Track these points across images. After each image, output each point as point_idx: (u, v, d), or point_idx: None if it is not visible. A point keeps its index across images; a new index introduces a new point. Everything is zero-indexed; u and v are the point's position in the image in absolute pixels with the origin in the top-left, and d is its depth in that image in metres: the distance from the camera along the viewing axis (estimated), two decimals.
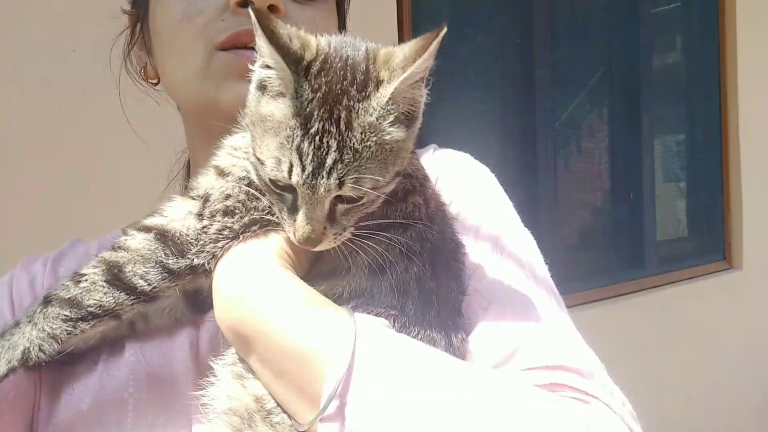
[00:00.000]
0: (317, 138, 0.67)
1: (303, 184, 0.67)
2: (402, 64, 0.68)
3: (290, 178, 0.68)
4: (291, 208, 0.71)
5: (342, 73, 0.69)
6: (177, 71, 0.96)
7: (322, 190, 0.67)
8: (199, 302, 0.85)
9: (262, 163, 0.70)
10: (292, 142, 0.67)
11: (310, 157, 0.66)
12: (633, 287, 3.67)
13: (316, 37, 0.73)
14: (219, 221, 0.77)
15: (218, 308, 0.73)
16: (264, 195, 0.75)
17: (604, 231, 4.02)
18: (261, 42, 0.69)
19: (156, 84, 1.07)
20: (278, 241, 0.75)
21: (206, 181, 0.80)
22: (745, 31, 4.17)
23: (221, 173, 0.80)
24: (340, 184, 0.67)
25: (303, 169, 0.67)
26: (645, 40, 3.85)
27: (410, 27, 2.80)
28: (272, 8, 0.88)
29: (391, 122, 0.69)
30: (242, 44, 0.90)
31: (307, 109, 0.67)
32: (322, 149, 0.66)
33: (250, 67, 0.74)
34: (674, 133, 4.39)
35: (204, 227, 0.77)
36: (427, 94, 0.72)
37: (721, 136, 4.25)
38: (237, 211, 0.77)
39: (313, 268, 0.78)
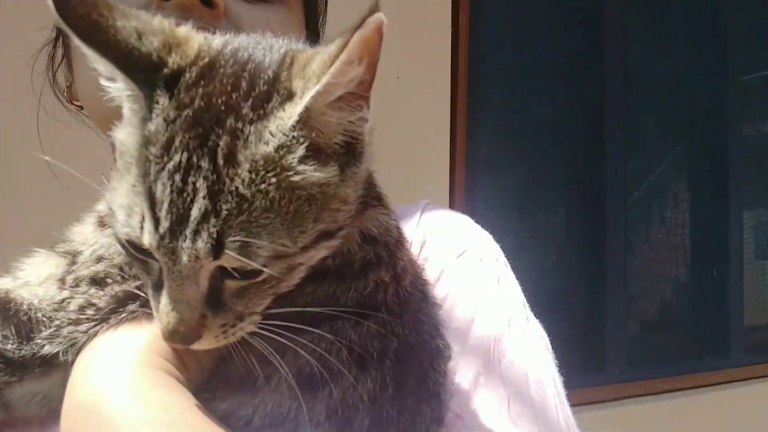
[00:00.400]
0: (177, 177, 0.47)
1: (158, 248, 0.48)
2: (318, 71, 0.48)
3: (141, 237, 0.48)
4: (157, 283, 0.51)
5: (233, 82, 0.50)
6: (87, 81, 0.73)
7: (184, 258, 0.47)
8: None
9: (112, 213, 0.51)
10: (143, 183, 0.48)
11: (165, 205, 0.47)
12: (715, 378, 3.31)
13: (207, 36, 0.55)
14: (82, 294, 0.56)
15: (63, 417, 0.53)
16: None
17: (683, 311, 3.69)
18: (78, 43, 0.50)
19: (82, 108, 0.87)
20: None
21: (79, 233, 0.61)
22: None
23: (99, 221, 0.60)
24: (216, 249, 0.47)
25: (156, 225, 0.47)
26: (734, 106, 3.62)
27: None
28: (208, 2, 0.69)
29: (301, 157, 0.49)
30: None
31: (166, 135, 0.48)
32: (186, 194, 0.47)
33: None
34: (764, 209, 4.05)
35: (63, 300, 0.57)
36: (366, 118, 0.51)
37: None
38: (108, 280, 0.56)
39: (218, 372, 0.57)
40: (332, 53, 0.48)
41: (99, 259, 0.58)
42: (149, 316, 0.54)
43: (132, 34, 0.50)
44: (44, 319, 0.56)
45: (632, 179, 3.34)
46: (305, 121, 0.49)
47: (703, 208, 3.61)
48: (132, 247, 0.51)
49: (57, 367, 0.57)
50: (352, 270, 0.56)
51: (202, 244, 0.47)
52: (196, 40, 0.53)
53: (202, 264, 0.48)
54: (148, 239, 0.48)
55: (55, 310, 0.57)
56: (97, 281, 0.57)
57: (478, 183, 2.63)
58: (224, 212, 0.47)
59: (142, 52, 0.50)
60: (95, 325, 0.56)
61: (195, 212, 0.46)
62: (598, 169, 3.12)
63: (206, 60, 0.51)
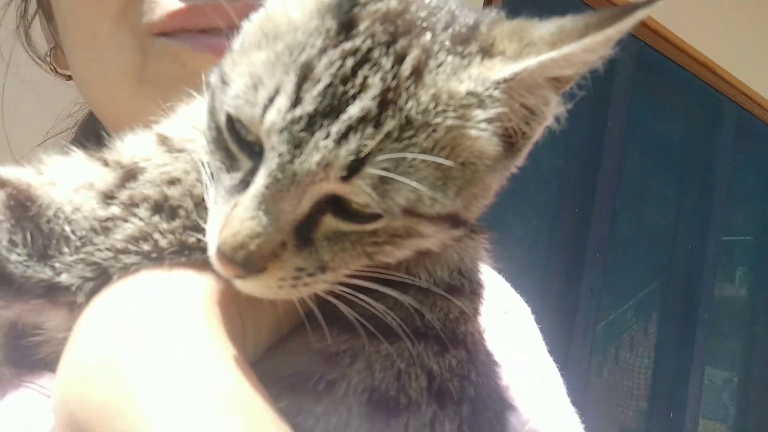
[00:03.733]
0: (350, 61, 0.38)
1: (280, 132, 0.38)
2: (553, 38, 0.41)
3: (263, 115, 0.38)
4: (236, 185, 0.41)
5: (433, 5, 0.42)
6: (93, 72, 0.64)
7: (315, 157, 0.37)
8: (22, 349, 0.47)
9: (224, 84, 0.41)
10: (300, 53, 0.38)
11: (320, 85, 0.38)
12: None
13: None
14: (142, 218, 0.44)
15: (69, 374, 0.39)
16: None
17: None
18: None
19: (70, 78, 0.73)
20: (229, 288, 0.43)
21: (136, 146, 0.49)
22: None
23: (165, 142, 0.49)
24: (353, 167, 0.38)
25: (294, 104, 0.38)
26: (711, 262, 3.68)
27: None
28: None
29: (487, 119, 0.41)
30: (192, 27, 0.59)
31: (349, 15, 0.40)
32: (350, 85, 0.38)
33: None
34: (725, 369, 4.05)
35: (109, 219, 0.44)
36: (564, 113, 0.45)
37: None
38: (181, 212, 0.45)
39: (269, 358, 0.45)
40: (584, 24, 0.41)
41: (172, 182, 0.45)
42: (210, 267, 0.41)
43: None
44: (73, 236, 0.43)
45: (604, 306, 3.33)
46: (512, 84, 0.41)
47: (668, 352, 3.59)
48: (230, 127, 0.41)
49: (59, 305, 0.44)
50: (437, 290, 0.47)
51: (345, 152, 0.37)
52: None
53: (325, 177, 0.38)
54: (273, 117, 0.38)
55: (93, 229, 0.43)
56: (163, 208, 0.44)
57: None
58: (385, 127, 0.38)
59: None
60: (141, 262, 0.43)
61: (354, 110, 0.37)
62: (575, 283, 3.11)
63: None
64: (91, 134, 0.77)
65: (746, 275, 4.22)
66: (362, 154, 0.37)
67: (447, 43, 0.41)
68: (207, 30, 0.59)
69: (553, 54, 0.40)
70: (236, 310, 0.43)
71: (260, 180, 0.39)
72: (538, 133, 0.45)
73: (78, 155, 0.49)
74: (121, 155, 0.48)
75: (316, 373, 0.42)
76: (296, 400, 0.42)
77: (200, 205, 0.45)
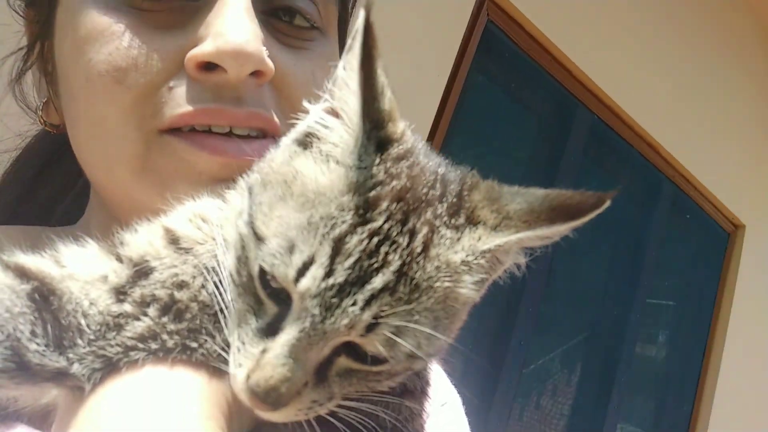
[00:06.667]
0: (375, 240, 0.45)
1: (315, 297, 0.44)
2: (527, 218, 0.49)
3: (297, 280, 0.44)
4: (264, 329, 0.46)
5: (430, 179, 0.49)
6: (95, 149, 0.66)
7: (344, 320, 0.44)
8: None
9: (259, 240, 0.46)
10: (332, 228, 0.44)
11: (351, 260, 0.44)
12: None
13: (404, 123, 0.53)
14: (151, 318, 0.47)
15: None
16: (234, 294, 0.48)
17: None
18: (345, 72, 0.48)
19: (57, 130, 0.74)
20: (221, 385, 0.48)
21: (146, 242, 0.52)
22: (732, 342, 4.16)
23: (176, 242, 0.52)
24: (371, 326, 0.44)
25: (328, 274, 0.43)
26: (634, 321, 3.84)
27: None
28: (255, 74, 0.62)
29: (474, 280, 0.49)
30: (203, 126, 0.62)
31: (373, 194, 0.46)
32: (375, 260, 0.44)
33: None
34: (637, 426, 4.22)
35: (121, 316, 0.47)
36: (523, 262, 0.53)
37: None
38: (187, 314, 0.48)
39: None
40: (550, 207, 0.49)
41: (181, 286, 0.49)
42: (209, 367, 0.48)
43: (381, 84, 0.48)
44: (88, 330, 0.46)
45: (533, 352, 3.45)
46: (494, 252, 0.49)
47: (585, 405, 3.72)
48: (263, 280, 0.46)
49: (65, 387, 0.47)
50: (392, 392, 0.53)
51: (368, 315, 0.44)
52: (400, 121, 0.52)
53: (348, 333, 0.44)
54: (308, 284, 0.44)
55: (106, 324, 0.47)
56: (171, 310, 0.48)
57: None
58: (399, 294, 0.45)
59: (378, 105, 0.48)
60: (148, 358, 0.47)
61: (378, 282, 0.44)
62: (507, 331, 3.24)
63: (408, 144, 0.50)
64: (37, 157, 0.80)
65: (665, 337, 4.40)
66: (380, 320, 0.44)
67: (445, 217, 0.49)
68: (208, 129, 0.62)
69: (529, 233, 0.49)
70: (227, 407, 0.48)
71: (292, 332, 0.44)
72: (499, 274, 0.53)
73: (92, 247, 0.52)
74: (132, 251, 0.51)
75: None
76: None
77: (203, 310, 0.49)
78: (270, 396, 0.44)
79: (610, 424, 3.70)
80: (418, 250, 0.46)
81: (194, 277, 0.50)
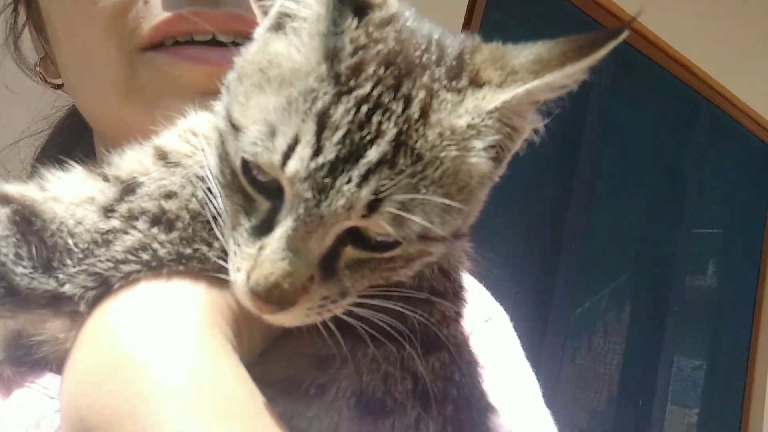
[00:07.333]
0: (364, 108, 0.40)
1: (305, 180, 0.40)
2: (535, 67, 0.44)
3: (284, 165, 0.40)
4: (258, 226, 0.43)
5: (424, 42, 0.45)
6: (83, 82, 0.67)
7: (340, 201, 0.40)
8: (20, 348, 0.51)
9: (236, 130, 0.43)
10: (312, 102, 0.40)
11: (339, 133, 0.40)
12: None
13: None
14: (140, 231, 0.45)
15: (78, 380, 0.41)
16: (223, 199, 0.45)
17: None
18: None
19: (59, 87, 0.76)
20: (224, 294, 0.46)
21: (134, 161, 0.50)
22: None
23: (164, 157, 0.50)
24: (373, 205, 0.40)
25: (316, 152, 0.40)
26: (682, 254, 3.77)
27: None
28: None
29: (484, 147, 0.45)
30: (184, 35, 0.61)
31: (354, 59, 0.42)
32: (367, 131, 0.40)
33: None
34: (693, 357, 4.16)
35: (110, 232, 0.45)
36: (543, 129, 0.48)
37: (747, 370, 3.99)
38: (178, 224, 0.46)
39: (262, 363, 0.47)
40: (561, 51, 0.44)
41: (169, 196, 0.47)
42: (210, 278, 0.45)
43: None
44: (76, 249, 0.45)
45: (579, 295, 3.40)
46: (502, 110, 0.45)
47: (639, 340, 3.67)
48: (247, 172, 0.43)
49: (61, 314, 0.46)
50: (420, 294, 0.49)
51: (366, 193, 0.40)
52: None
53: (348, 216, 0.41)
54: (295, 166, 0.40)
55: (94, 241, 0.45)
56: (161, 221, 0.46)
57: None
58: (399, 166, 0.41)
59: None
60: (141, 272, 0.45)
61: (373, 154, 0.40)
62: (551, 273, 3.18)
63: (392, 9, 0.46)
64: (68, 134, 0.81)
65: (715, 267, 4.31)
66: (381, 195, 0.40)
67: (444, 80, 0.44)
68: (190, 39, 0.62)
69: (537, 82, 0.44)
70: (232, 317, 0.45)
71: (287, 222, 0.41)
72: (518, 146, 0.49)
73: (78, 171, 0.51)
74: (120, 170, 0.50)
75: (308, 377, 0.45)
76: (289, 403, 0.44)
77: (196, 218, 0.47)
78: (272, 294, 0.41)
79: (666, 358, 3.64)
80: (416, 116, 0.42)
81: (183, 187, 0.48)
